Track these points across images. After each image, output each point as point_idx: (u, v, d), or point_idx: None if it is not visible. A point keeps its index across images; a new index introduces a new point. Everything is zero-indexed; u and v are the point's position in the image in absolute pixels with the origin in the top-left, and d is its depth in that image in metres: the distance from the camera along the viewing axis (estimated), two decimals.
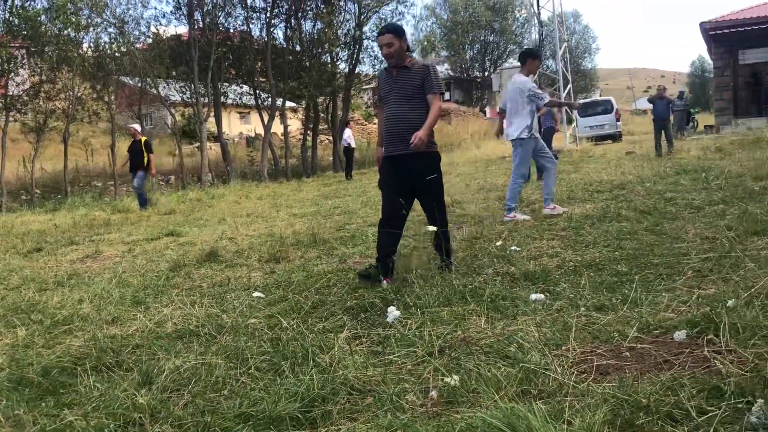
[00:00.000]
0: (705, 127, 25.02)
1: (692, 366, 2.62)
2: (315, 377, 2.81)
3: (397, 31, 4.71)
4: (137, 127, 14.67)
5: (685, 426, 2.12)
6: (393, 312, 3.73)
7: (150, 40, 21.93)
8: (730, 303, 3.21)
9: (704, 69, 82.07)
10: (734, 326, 2.86)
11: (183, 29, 23.46)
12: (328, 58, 25.27)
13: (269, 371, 3.04)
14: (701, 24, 25.06)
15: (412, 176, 4.72)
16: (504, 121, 8.10)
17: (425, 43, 26.75)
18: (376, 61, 26.64)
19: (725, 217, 5.90)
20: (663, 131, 15.61)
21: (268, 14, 22.99)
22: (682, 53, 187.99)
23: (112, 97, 22.47)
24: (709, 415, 2.15)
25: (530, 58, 7.29)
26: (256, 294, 4.68)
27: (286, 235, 7.57)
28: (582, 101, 27.59)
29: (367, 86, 32.37)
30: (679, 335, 2.94)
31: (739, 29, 24.10)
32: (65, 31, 18.91)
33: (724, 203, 6.64)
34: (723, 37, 24.65)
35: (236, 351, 3.31)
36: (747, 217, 5.62)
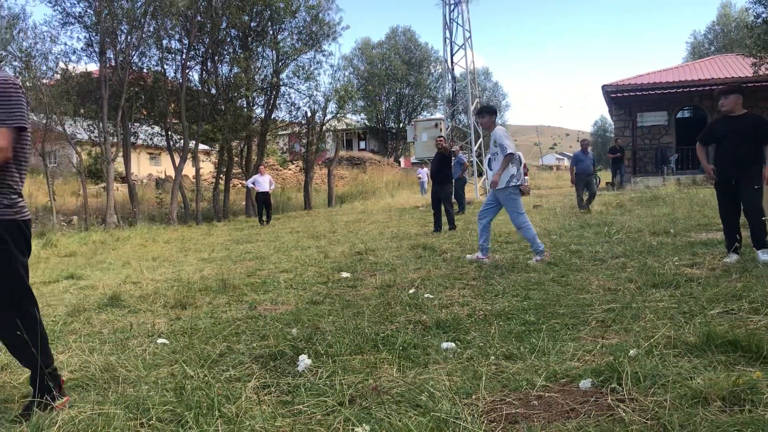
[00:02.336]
0: (606, 183, 26.28)
1: (597, 414, 2.68)
2: (220, 428, 2.70)
3: None
4: None
5: None
6: (304, 360, 3.66)
7: (58, 76, 21.15)
8: (631, 352, 3.34)
9: (605, 129, 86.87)
10: (636, 375, 2.97)
11: (94, 67, 22.73)
12: (244, 103, 25.14)
13: (171, 422, 2.90)
14: (603, 87, 26.66)
15: None
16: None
17: (342, 93, 26.96)
18: (293, 107, 26.74)
19: (626, 269, 6.18)
20: (586, 186, 14.99)
21: (184, 56, 22.72)
22: (585, 113, 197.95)
23: None
24: None
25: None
26: (160, 340, 4.49)
27: (194, 280, 7.35)
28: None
29: (283, 132, 32.36)
30: (585, 384, 3.01)
31: (637, 93, 25.78)
32: None
33: (625, 256, 6.97)
34: (622, 100, 26.29)
35: (137, 401, 3.14)
36: (646, 270, 5.93)
